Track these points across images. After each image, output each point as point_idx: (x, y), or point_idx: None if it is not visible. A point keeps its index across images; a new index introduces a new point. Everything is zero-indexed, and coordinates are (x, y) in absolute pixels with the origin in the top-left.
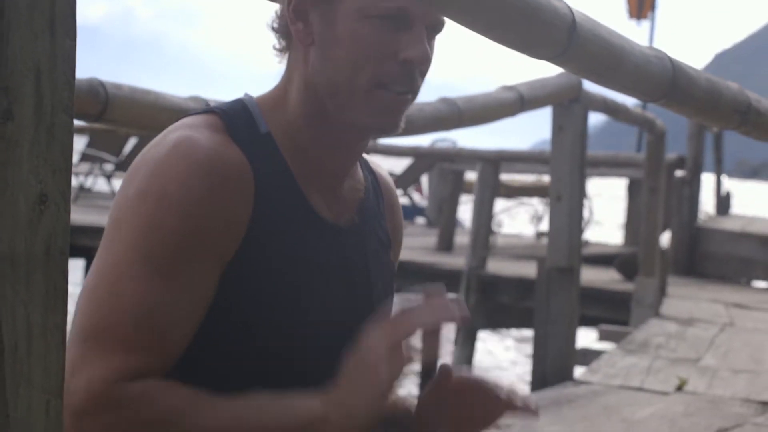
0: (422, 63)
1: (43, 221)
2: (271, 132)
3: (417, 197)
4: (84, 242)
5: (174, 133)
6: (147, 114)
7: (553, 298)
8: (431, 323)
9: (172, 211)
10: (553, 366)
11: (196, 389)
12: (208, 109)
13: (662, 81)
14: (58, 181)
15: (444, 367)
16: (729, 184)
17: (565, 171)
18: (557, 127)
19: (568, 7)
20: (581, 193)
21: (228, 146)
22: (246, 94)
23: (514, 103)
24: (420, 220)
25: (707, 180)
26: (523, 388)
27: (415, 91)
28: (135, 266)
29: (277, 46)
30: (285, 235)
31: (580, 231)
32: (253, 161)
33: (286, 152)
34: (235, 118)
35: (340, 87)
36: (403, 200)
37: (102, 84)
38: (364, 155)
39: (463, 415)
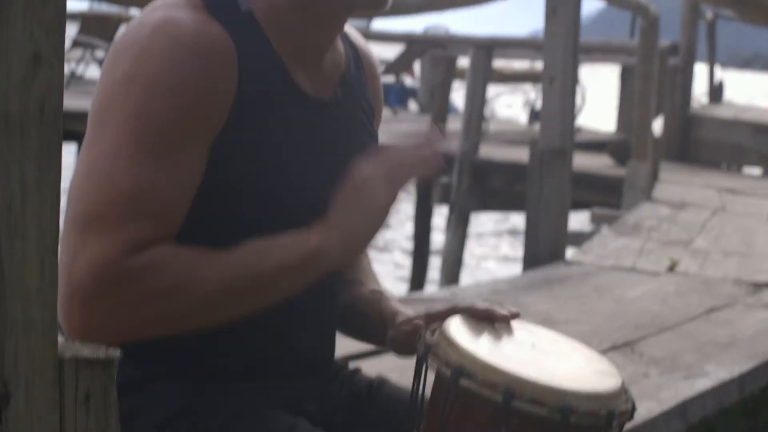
0: None
1: (37, 80)
2: (252, 10)
3: (409, 80)
4: (76, 127)
5: (154, 13)
6: None
7: (546, 180)
8: (423, 150)
9: (160, 93)
10: (545, 247)
11: (195, 247)
12: None
13: None
14: (52, 41)
15: (427, 313)
16: (722, 74)
17: (558, 53)
18: (551, 10)
19: None
20: (574, 76)
21: (210, 24)
22: None
23: None
24: (412, 105)
25: (700, 69)
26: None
27: None
28: (127, 150)
29: None
30: (269, 110)
31: (573, 114)
32: (235, 39)
33: (267, 29)
34: None
35: None
36: (395, 83)
37: None
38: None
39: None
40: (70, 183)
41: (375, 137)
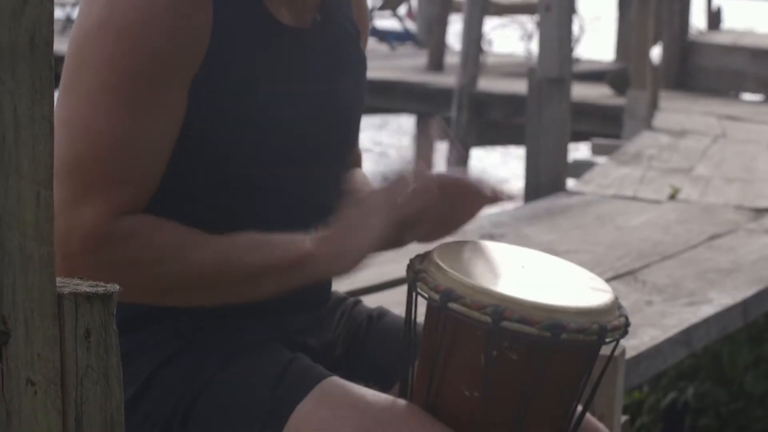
0: None
1: (26, 11)
2: None
3: (409, 23)
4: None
5: None
6: None
7: (545, 109)
8: (429, 183)
9: (134, 38)
10: (545, 177)
11: (184, 225)
12: None
13: None
14: None
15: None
16: (720, 1)
17: None
18: None
19: None
20: (570, 4)
21: None
22: None
23: None
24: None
25: None
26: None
27: None
28: (105, 99)
29: None
30: (246, 45)
31: (570, 42)
32: None
33: None
34: None
35: None
36: (394, 24)
37: None
38: None
39: (440, 213)
40: None
41: (360, 60)
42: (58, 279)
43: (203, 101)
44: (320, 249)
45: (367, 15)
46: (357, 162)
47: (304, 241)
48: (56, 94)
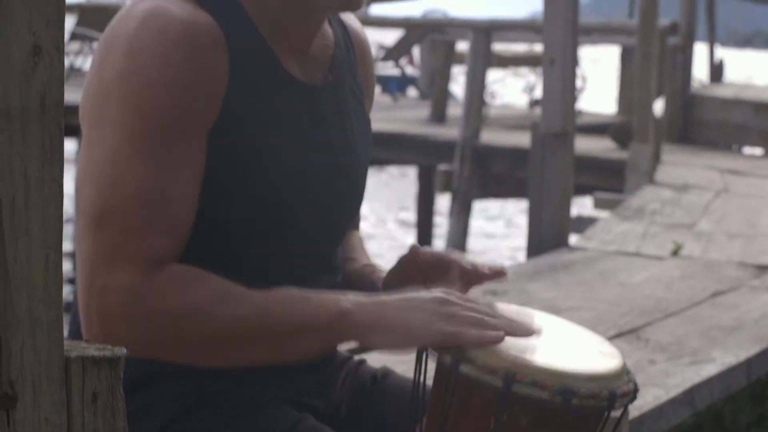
0: None
1: (37, 73)
2: None
3: (409, 69)
4: (76, 122)
5: (141, 4)
6: None
7: (548, 164)
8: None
9: (155, 89)
10: (548, 233)
11: (220, 277)
12: None
13: None
14: (52, 33)
15: (413, 246)
16: (722, 53)
17: (558, 34)
18: None
19: None
20: (574, 58)
21: (198, 13)
22: None
23: None
24: (412, 91)
25: (700, 49)
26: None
27: None
28: (129, 150)
29: None
30: (261, 98)
31: (574, 96)
32: (224, 27)
33: (254, 17)
34: None
35: None
36: (395, 72)
37: None
38: None
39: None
40: (75, 184)
41: (366, 118)
42: (65, 342)
43: (217, 153)
44: (361, 309)
45: (373, 75)
46: (356, 224)
47: (344, 300)
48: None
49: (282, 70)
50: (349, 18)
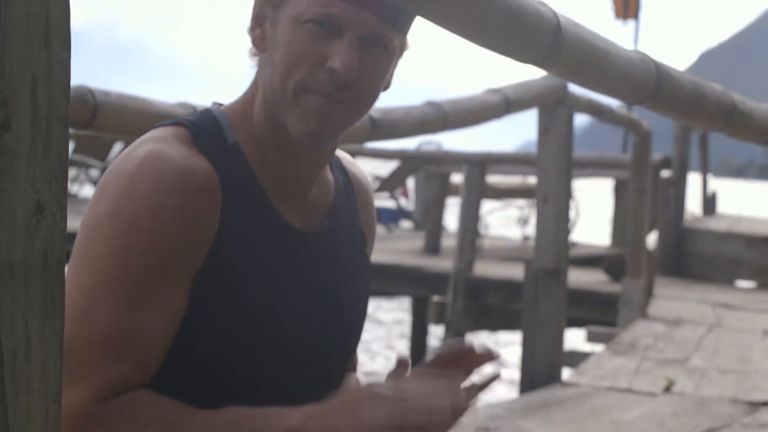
0: (346, 72)
1: (40, 230)
2: (239, 142)
3: (403, 201)
4: (71, 249)
5: (142, 146)
6: (135, 121)
7: (541, 300)
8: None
9: (141, 233)
10: (541, 368)
11: (174, 400)
12: (176, 121)
13: (646, 83)
14: (55, 191)
15: (401, 360)
16: (714, 183)
17: (551, 173)
18: (543, 130)
19: (553, 11)
20: (568, 195)
21: (196, 159)
22: (214, 104)
23: (499, 105)
24: (406, 223)
25: (693, 180)
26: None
27: (351, 101)
28: (104, 289)
29: (252, 51)
30: (252, 245)
31: (567, 233)
32: (220, 173)
33: (253, 162)
34: (203, 130)
35: (276, 91)
36: (389, 203)
37: (91, 91)
38: (338, 153)
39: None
40: None
41: (365, 267)
42: None
43: (203, 298)
44: (309, 424)
45: (374, 220)
46: (353, 366)
47: (291, 416)
48: None
49: (276, 215)
50: (352, 165)
